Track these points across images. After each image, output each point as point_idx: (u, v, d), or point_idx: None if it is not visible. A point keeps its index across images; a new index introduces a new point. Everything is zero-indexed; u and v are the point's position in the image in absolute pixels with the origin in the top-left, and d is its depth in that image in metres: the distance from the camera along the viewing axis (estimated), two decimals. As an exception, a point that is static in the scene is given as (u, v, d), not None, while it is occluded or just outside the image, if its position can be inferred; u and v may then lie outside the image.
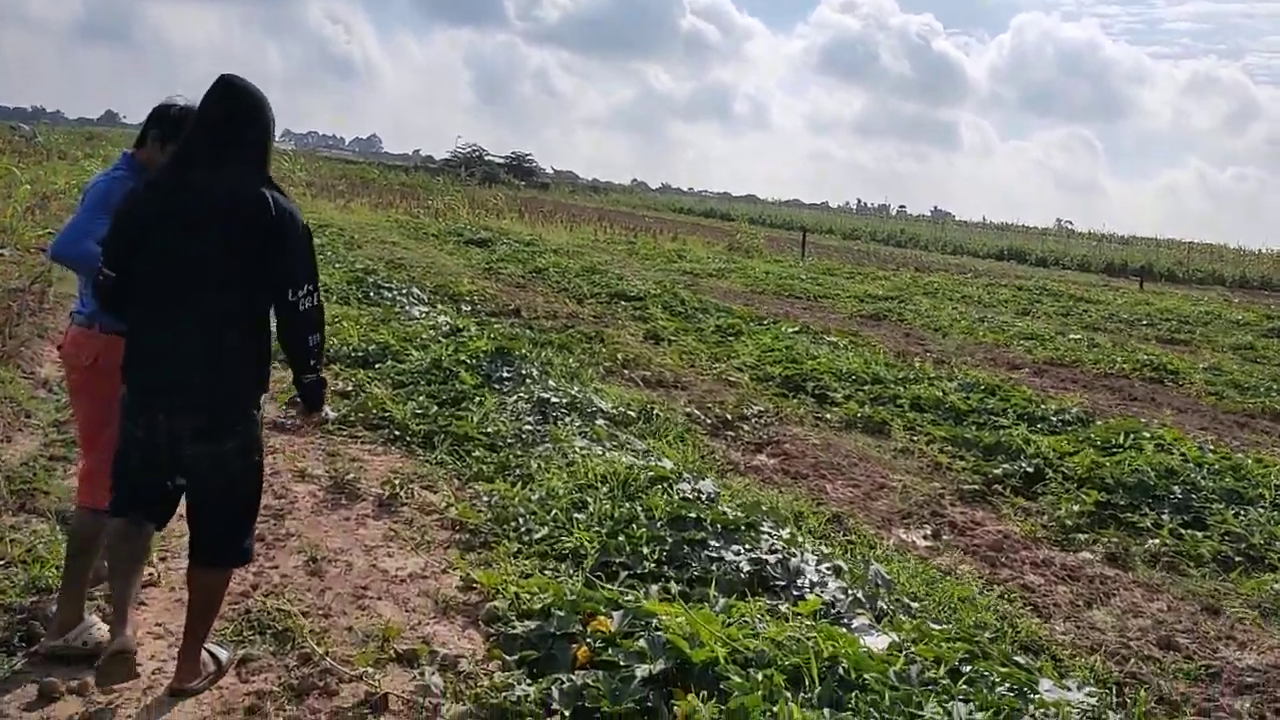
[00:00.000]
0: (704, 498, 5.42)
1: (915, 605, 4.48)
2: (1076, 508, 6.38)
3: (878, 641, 3.95)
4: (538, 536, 4.83)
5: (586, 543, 4.67)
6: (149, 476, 3.18)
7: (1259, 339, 18.16)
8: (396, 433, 6.70)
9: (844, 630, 3.88)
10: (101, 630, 3.52)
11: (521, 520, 5.04)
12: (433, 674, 3.44)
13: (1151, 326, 19.21)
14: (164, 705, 3.29)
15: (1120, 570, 5.64)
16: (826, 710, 3.05)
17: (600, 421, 7.28)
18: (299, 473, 5.74)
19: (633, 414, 7.59)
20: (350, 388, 7.66)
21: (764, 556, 4.54)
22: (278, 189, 3.16)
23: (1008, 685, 3.42)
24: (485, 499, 5.47)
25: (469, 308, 12.67)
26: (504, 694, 3.30)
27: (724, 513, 5.01)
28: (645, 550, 4.57)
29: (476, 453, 6.34)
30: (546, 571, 4.49)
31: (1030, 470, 7.07)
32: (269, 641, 3.76)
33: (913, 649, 3.76)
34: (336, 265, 14.41)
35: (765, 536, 4.86)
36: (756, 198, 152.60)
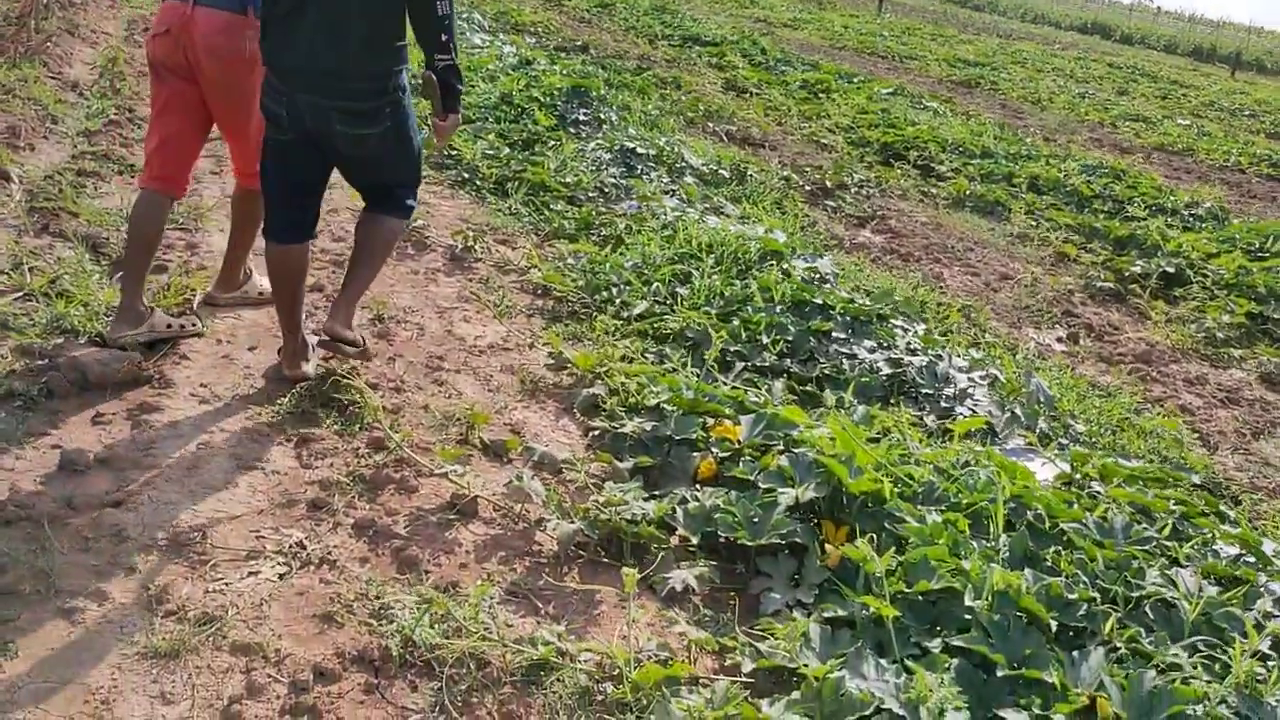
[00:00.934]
0: (823, 279, 4.69)
1: (1080, 429, 3.82)
2: (1226, 318, 5.62)
3: (1044, 472, 3.33)
4: (636, 312, 4.15)
5: (695, 324, 3.99)
6: (302, 173, 3.18)
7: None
8: (465, 175, 5.93)
9: (1015, 459, 3.25)
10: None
11: (615, 291, 4.35)
12: (531, 477, 2.84)
13: (1254, 118, 17.70)
14: (209, 473, 2.73)
15: (1281, 395, 4.95)
16: (1028, 572, 2.43)
17: (689, 179, 6.46)
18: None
19: (725, 173, 6.76)
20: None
21: (904, 358, 3.86)
22: None
23: (1232, 547, 2.79)
24: (570, 261, 4.76)
25: (533, 40, 11.56)
26: (618, 510, 2.70)
27: (852, 300, 4.30)
28: (764, 339, 3.89)
29: (556, 205, 5.59)
30: (650, 356, 3.83)
31: (1170, 270, 6.26)
32: (333, 419, 3.16)
33: (1098, 488, 3.13)
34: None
35: (899, 331, 4.17)
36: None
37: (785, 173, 7.21)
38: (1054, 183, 8.02)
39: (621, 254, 4.79)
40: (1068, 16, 49.21)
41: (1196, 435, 4.27)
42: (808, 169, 7.55)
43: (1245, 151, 12.11)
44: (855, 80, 11.99)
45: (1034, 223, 7.21)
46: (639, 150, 6.47)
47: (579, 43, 11.81)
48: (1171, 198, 7.99)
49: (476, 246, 4.84)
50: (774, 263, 4.68)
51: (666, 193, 6.09)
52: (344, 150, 3.14)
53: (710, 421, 3.17)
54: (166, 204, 3.48)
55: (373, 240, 3.33)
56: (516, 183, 5.82)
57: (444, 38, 3.10)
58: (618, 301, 4.28)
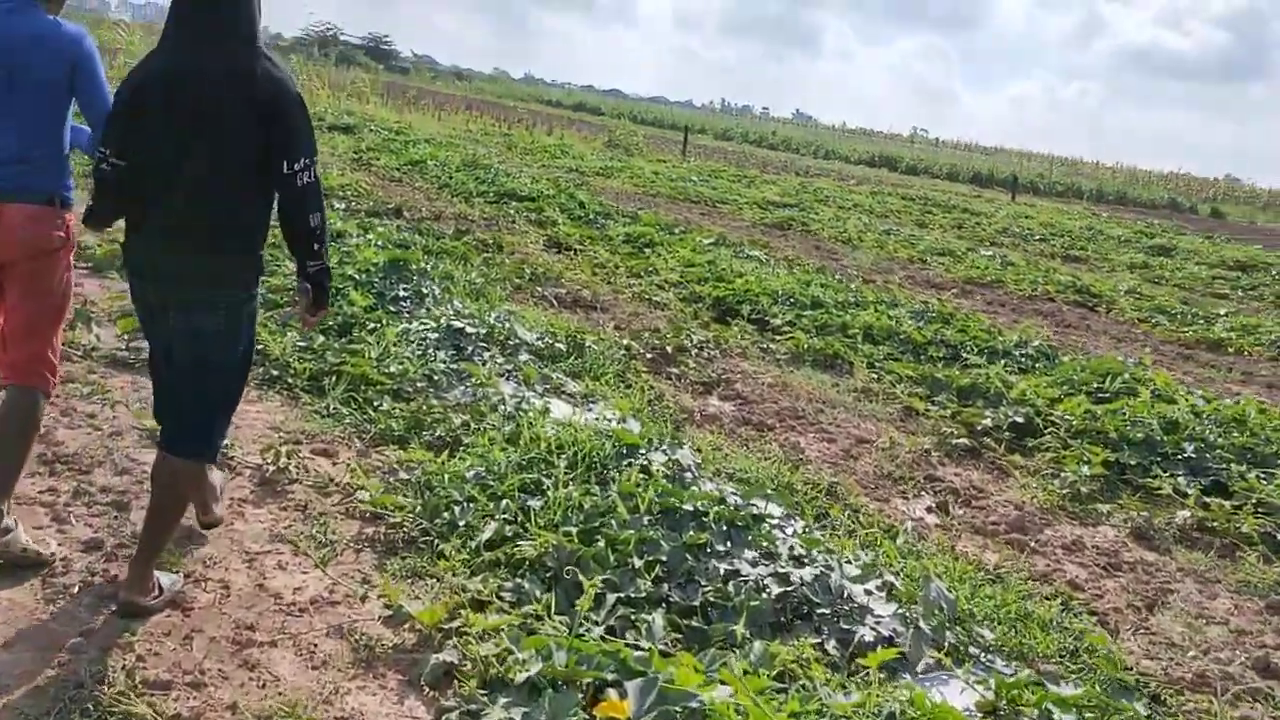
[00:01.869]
0: (686, 473, 4.28)
1: (989, 635, 3.47)
2: (1085, 469, 5.51)
3: (963, 700, 2.94)
4: (485, 538, 3.60)
5: (554, 548, 3.48)
6: (159, 370, 3.16)
7: (1150, 257, 18.02)
8: (275, 372, 5.31)
9: (929, 687, 2.85)
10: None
11: (458, 510, 3.80)
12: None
13: (1045, 242, 18.86)
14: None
15: (1157, 553, 4.79)
16: None
17: (525, 356, 6.02)
18: (148, 433, 4.33)
19: (561, 346, 6.35)
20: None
21: (791, 571, 3.44)
22: (269, 58, 3.00)
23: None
24: (403, 475, 4.19)
25: (343, 205, 11.04)
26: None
27: (724, 499, 3.88)
28: (636, 562, 3.41)
29: (381, 403, 5.03)
30: (506, 594, 3.29)
31: (1020, 420, 6.17)
32: (108, 743, 2.47)
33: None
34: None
35: (778, 533, 3.76)
36: (622, 92, 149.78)
37: (625, 341, 6.86)
38: (887, 331, 7.98)
39: (461, 459, 4.26)
40: (855, 151, 52.39)
41: (1093, 616, 4.00)
42: (645, 333, 7.24)
43: (1049, 280, 12.65)
44: (677, 231, 11.96)
45: (876, 376, 7.08)
46: (468, 330, 6.00)
47: (391, 205, 11.38)
48: (1000, 338, 8.07)
49: (291, 464, 4.22)
50: (632, 460, 4.23)
51: (502, 375, 5.63)
52: (176, 343, 3.04)
53: (592, 696, 2.64)
54: None
55: (162, 486, 3.13)
56: (334, 377, 5.24)
57: (316, 246, 3.08)
58: (461, 524, 3.72)
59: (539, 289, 8.35)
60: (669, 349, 6.91)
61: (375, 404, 5.01)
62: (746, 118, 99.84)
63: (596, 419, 4.92)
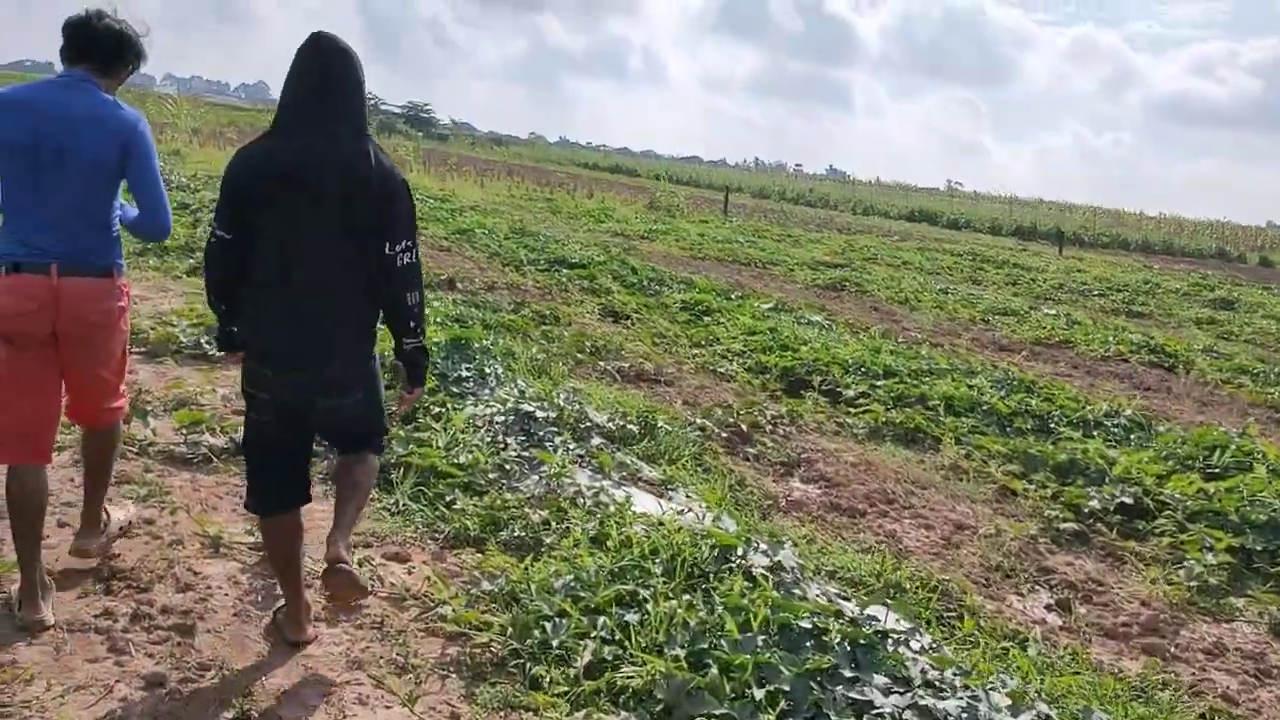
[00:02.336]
0: (789, 576, 3.91)
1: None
2: (1211, 558, 5.07)
3: None
4: (584, 663, 3.25)
5: (661, 675, 3.11)
6: (284, 451, 3.28)
7: (1215, 311, 17.49)
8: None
9: None
10: None
11: (549, 628, 3.45)
12: None
13: (1103, 297, 18.36)
14: None
15: (1305, 654, 4.34)
16: None
17: (597, 440, 5.70)
18: (211, 541, 4.04)
19: (633, 427, 6.03)
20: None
21: (933, 703, 3.05)
22: (377, 145, 3.16)
23: None
24: (486, 585, 3.86)
25: (394, 277, 10.85)
26: None
27: (840, 611, 3.51)
28: (755, 692, 3.04)
29: (453, 497, 4.71)
30: (615, 733, 2.92)
31: (1128, 501, 5.74)
32: None
33: None
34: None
35: (904, 650, 3.38)
36: (656, 153, 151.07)
37: (698, 420, 6.52)
38: (969, 402, 7.58)
39: (546, 564, 3.92)
40: (894, 206, 52.08)
41: (1259, 738, 3.57)
42: (716, 409, 6.89)
43: (1120, 339, 12.18)
44: (733, 297, 11.66)
45: (964, 452, 6.68)
46: (538, 414, 5.69)
47: (444, 277, 11.18)
48: (1089, 408, 7.64)
49: (361, 567, 3.89)
50: (730, 562, 3.87)
51: (576, 461, 5.30)
52: (323, 419, 3.27)
53: None
54: (43, 472, 3.38)
55: (357, 475, 3.39)
56: (402, 470, 4.94)
57: (412, 324, 3.26)
58: (555, 644, 3.37)
59: (601, 362, 8.05)
60: (743, 426, 6.56)
61: (447, 499, 4.70)
62: (781, 175, 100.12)
63: (682, 512, 4.58)
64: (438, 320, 7.72)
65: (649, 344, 9.12)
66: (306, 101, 3.10)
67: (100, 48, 3.34)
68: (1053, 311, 14.61)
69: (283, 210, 3.05)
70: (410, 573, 3.99)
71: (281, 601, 3.44)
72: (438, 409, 5.82)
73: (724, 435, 6.40)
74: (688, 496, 5.20)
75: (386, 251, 3.11)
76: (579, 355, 8.14)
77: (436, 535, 4.41)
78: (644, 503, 4.77)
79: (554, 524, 4.40)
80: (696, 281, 12.38)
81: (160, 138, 18.62)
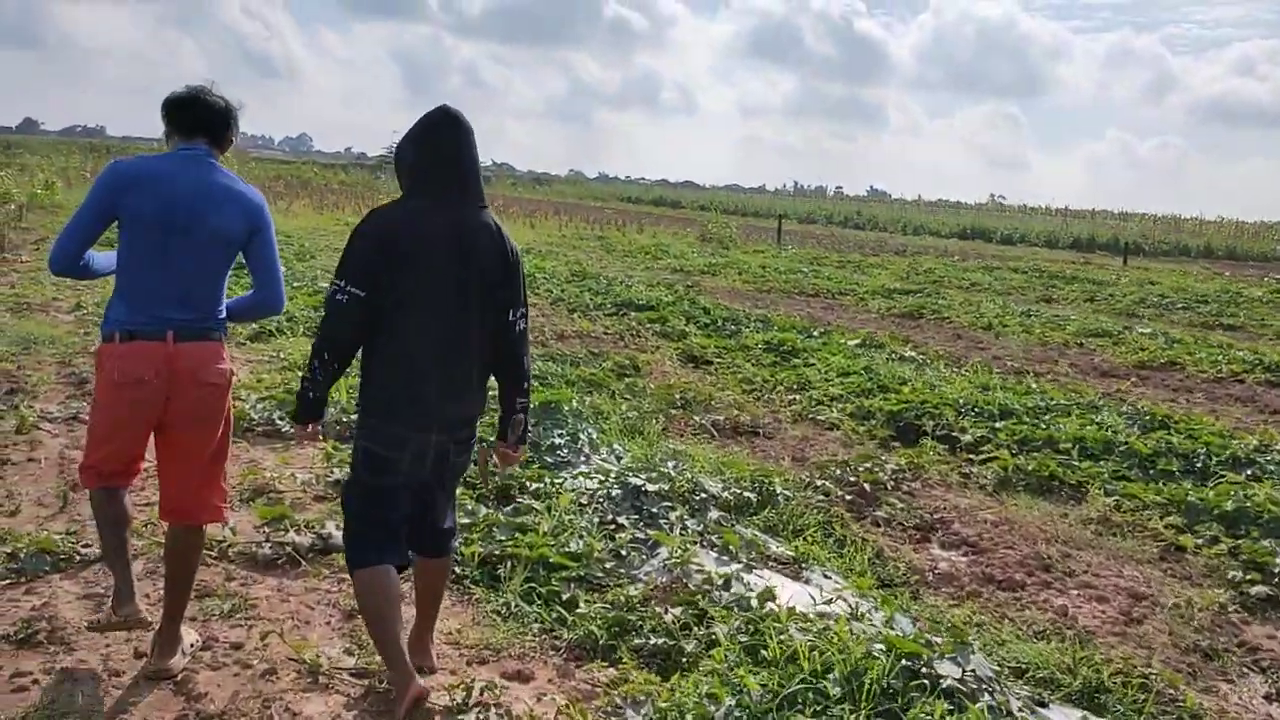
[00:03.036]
0: (985, 685, 3.30)
1: None
2: None
3: None
4: (776, 825, 2.67)
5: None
6: (407, 508, 3.33)
7: (1308, 320, 16.57)
8: (437, 560, 4.48)
9: None
10: None
11: (720, 773, 2.87)
12: None
13: (1189, 310, 17.51)
14: None
15: None
16: None
17: (715, 513, 5.13)
18: (309, 670, 3.51)
19: (750, 495, 5.45)
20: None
21: None
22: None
23: None
24: (629, 711, 3.29)
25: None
26: None
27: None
28: None
29: (569, 594, 4.15)
30: None
31: (1321, 557, 5.06)
32: None
33: None
34: (295, 284, 12.02)
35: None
36: (695, 183, 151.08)
37: (817, 481, 5.92)
38: (1103, 442, 6.91)
39: (696, 683, 3.35)
40: (944, 224, 51.18)
41: None
42: (829, 465, 6.29)
43: (1230, 357, 11.41)
44: (815, 334, 11.07)
45: (1112, 502, 6.01)
46: (648, 488, 5.13)
47: (512, 328, 10.69)
48: (1236, 443, 6.94)
49: (485, 697, 3.35)
50: (920, 677, 3.27)
51: (695, 540, 4.74)
52: (439, 478, 3.36)
53: None
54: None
55: (438, 584, 3.54)
56: (509, 563, 4.40)
57: (526, 385, 3.42)
58: (730, 796, 2.80)
59: (693, 416, 7.49)
60: (866, 485, 5.95)
61: (564, 597, 4.14)
62: (823, 198, 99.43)
63: (831, 600, 4.00)
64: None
65: (738, 392, 8.55)
66: (443, 170, 3.20)
67: (212, 123, 3.46)
68: (1147, 329, 13.84)
69: (430, 271, 3.13)
70: (540, 699, 3.42)
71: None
72: (534, 484, 5.29)
73: (845, 497, 5.79)
74: (825, 576, 4.63)
75: (509, 318, 3.27)
76: (668, 408, 7.59)
77: (558, 644, 3.85)
78: (786, 591, 4.19)
79: (693, 626, 3.83)
80: (775, 319, 11.82)
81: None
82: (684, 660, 3.62)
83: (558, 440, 5.98)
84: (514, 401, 3.40)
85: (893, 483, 6.16)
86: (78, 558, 4.33)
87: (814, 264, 22.38)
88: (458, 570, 4.38)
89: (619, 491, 5.19)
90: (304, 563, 4.39)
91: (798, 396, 8.35)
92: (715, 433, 7.21)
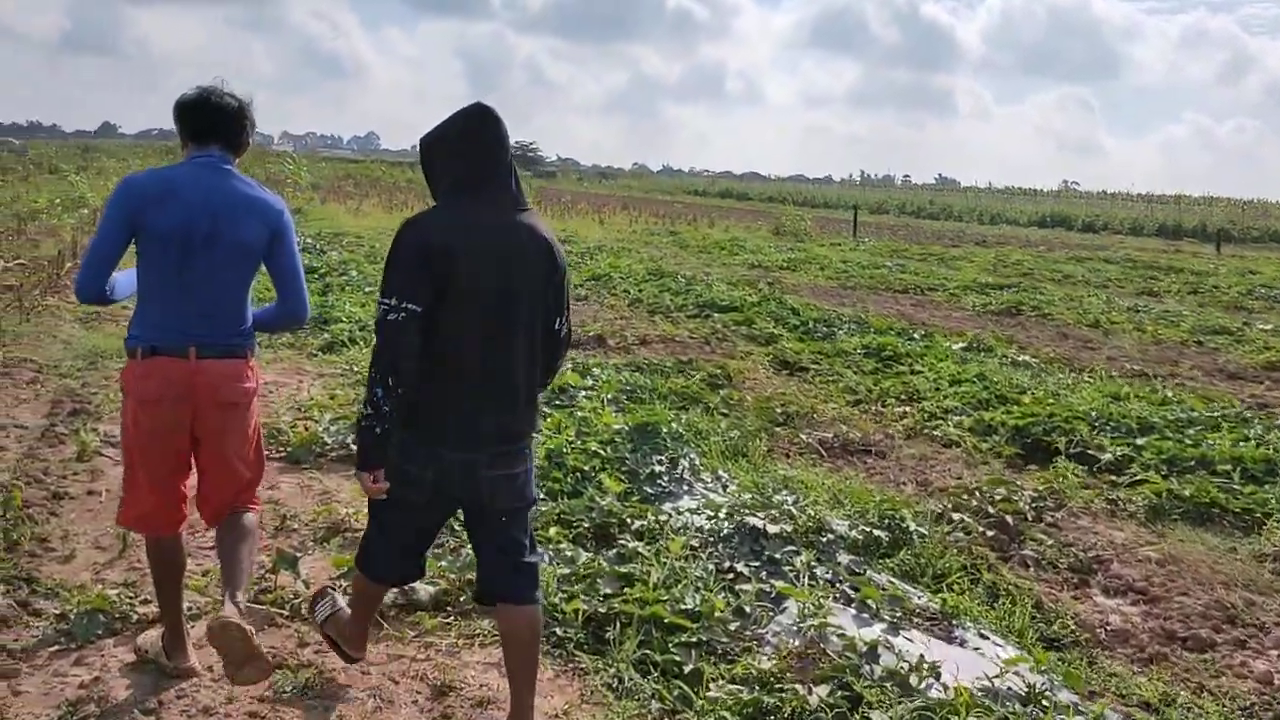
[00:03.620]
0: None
1: None
2: None
3: None
4: None
5: None
6: (430, 524, 3.19)
7: None
8: (536, 619, 3.92)
9: None
10: None
11: None
12: None
13: (1303, 302, 16.39)
14: None
15: None
16: None
17: (844, 557, 4.50)
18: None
19: (880, 534, 4.82)
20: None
21: None
22: None
23: None
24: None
25: (540, 338, 9.86)
26: None
27: None
28: None
29: (694, 667, 3.56)
30: None
31: None
32: None
33: None
34: (366, 289, 11.59)
35: None
36: (760, 174, 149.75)
37: (950, 513, 5.27)
38: (1264, 463, 6.14)
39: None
40: (1022, 213, 49.75)
41: None
42: (960, 494, 5.63)
43: (1369, 357, 10.46)
44: (916, 337, 10.34)
45: (1289, 535, 5.26)
46: (768, 529, 4.51)
47: (592, 333, 10.16)
48: None
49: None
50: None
51: (826, 591, 4.12)
52: (490, 491, 3.03)
53: None
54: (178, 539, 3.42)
55: (524, 636, 3.13)
56: (616, 621, 3.82)
57: (549, 379, 3.23)
58: None
59: (798, 434, 6.87)
60: (1006, 518, 5.27)
61: (684, 668, 3.55)
62: (890, 187, 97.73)
63: (1002, 672, 3.37)
64: (609, 398, 6.66)
65: (841, 403, 7.89)
66: (487, 170, 2.98)
67: (225, 125, 3.30)
68: (1268, 326, 12.88)
69: (481, 280, 2.89)
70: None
71: None
72: (636, 520, 4.71)
73: (986, 532, 5.12)
74: (981, 635, 3.99)
75: (555, 326, 3.10)
76: (771, 424, 6.97)
77: (686, 731, 3.26)
78: (940, 657, 3.56)
79: (846, 714, 3.21)
80: (871, 321, 11.09)
81: (281, 193, 18.23)
82: (840, 759, 3.01)
83: (657, 468, 5.40)
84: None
85: (1033, 513, 5.48)
86: (135, 617, 3.85)
87: (895, 256, 21.56)
88: (558, 632, 3.82)
89: (731, 530, 4.59)
90: (385, 624, 3.86)
91: (909, 409, 7.67)
92: (824, 452, 6.58)
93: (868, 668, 3.48)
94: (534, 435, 3.16)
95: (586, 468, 5.26)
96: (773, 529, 4.50)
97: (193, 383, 3.19)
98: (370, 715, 3.29)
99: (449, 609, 4.03)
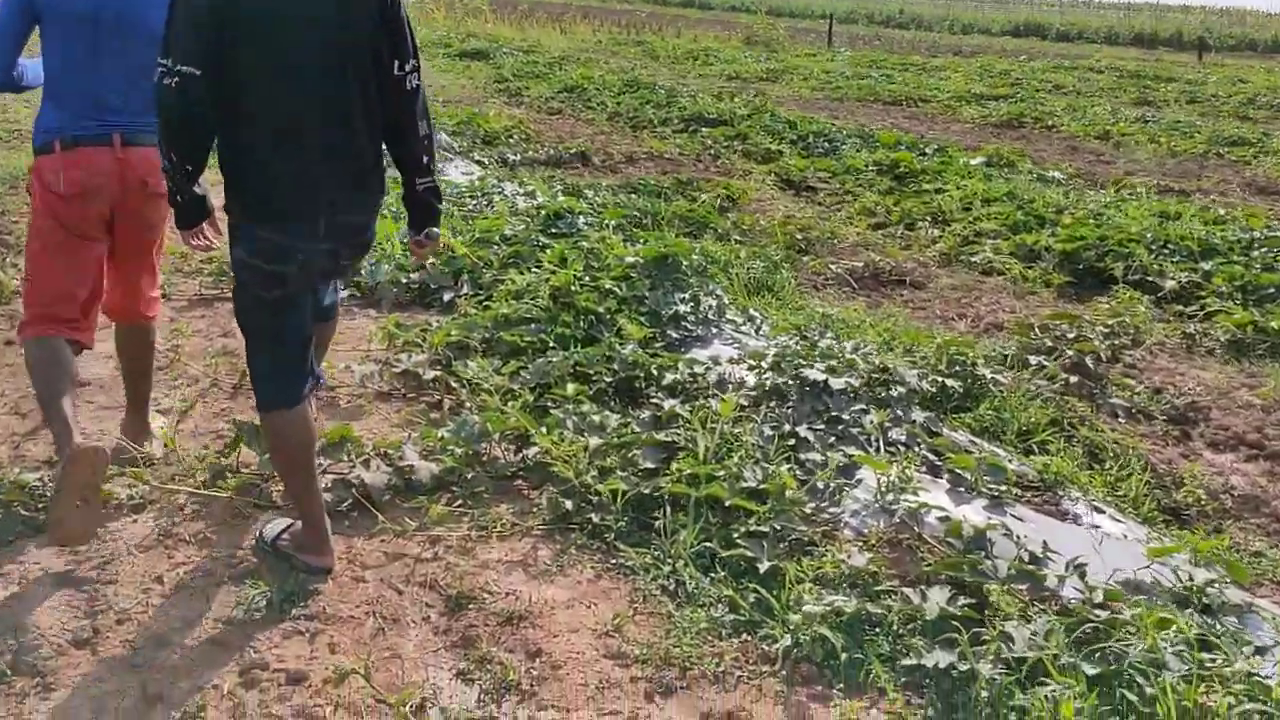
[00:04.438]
0: None
1: None
2: None
3: None
4: None
5: None
6: (302, 321, 2.77)
7: None
8: (564, 503, 3.18)
9: None
10: None
11: None
12: None
13: (1305, 111, 15.61)
14: None
15: None
16: None
17: (918, 414, 3.78)
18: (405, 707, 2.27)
19: (953, 383, 4.10)
20: (429, 374, 4.08)
21: None
22: None
23: None
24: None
25: (516, 156, 8.90)
26: None
27: None
28: None
29: (769, 565, 2.86)
30: None
31: None
32: None
33: None
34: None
35: None
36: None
37: (1020, 354, 4.55)
38: (1352, 288, 5.47)
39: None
40: (994, 22, 48.02)
41: None
42: (1028, 335, 4.90)
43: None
44: (928, 152, 9.44)
45: (1404, 375, 4.62)
46: (831, 383, 3.75)
47: (573, 150, 9.17)
48: None
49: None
50: None
51: (897, 452, 3.42)
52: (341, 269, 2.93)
53: None
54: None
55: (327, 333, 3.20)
56: (666, 506, 3.10)
57: (425, 160, 2.87)
58: None
59: (824, 263, 6.08)
60: (1086, 359, 4.57)
61: (758, 566, 2.85)
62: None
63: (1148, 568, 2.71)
64: (613, 225, 5.81)
65: (863, 226, 7.08)
66: None
67: None
68: (1288, 136, 12.09)
69: (286, 30, 2.54)
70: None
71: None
72: (667, 373, 3.94)
73: (1068, 379, 4.41)
74: (1095, 508, 3.33)
75: (396, 73, 2.71)
76: (792, 253, 6.18)
77: (770, 657, 2.57)
78: (1059, 540, 2.90)
79: (980, 625, 2.54)
80: (880, 136, 10.13)
81: None
82: (982, 693, 2.35)
83: (681, 308, 4.60)
84: (411, 182, 2.87)
85: (1109, 352, 4.78)
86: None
87: (875, 67, 20.30)
88: (594, 519, 3.10)
89: (784, 384, 3.84)
90: (379, 514, 3.11)
91: (939, 232, 6.87)
92: (853, 283, 5.82)
93: (989, 562, 2.79)
94: (380, 197, 2.84)
95: (600, 309, 4.45)
96: (836, 383, 3.75)
97: (120, 173, 3.06)
98: (370, 641, 2.57)
99: (454, 490, 3.28)
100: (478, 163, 8.45)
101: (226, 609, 2.66)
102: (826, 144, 9.89)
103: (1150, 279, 5.83)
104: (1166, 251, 6.19)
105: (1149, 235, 6.34)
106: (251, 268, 2.64)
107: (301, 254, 2.64)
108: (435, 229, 2.95)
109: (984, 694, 2.34)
